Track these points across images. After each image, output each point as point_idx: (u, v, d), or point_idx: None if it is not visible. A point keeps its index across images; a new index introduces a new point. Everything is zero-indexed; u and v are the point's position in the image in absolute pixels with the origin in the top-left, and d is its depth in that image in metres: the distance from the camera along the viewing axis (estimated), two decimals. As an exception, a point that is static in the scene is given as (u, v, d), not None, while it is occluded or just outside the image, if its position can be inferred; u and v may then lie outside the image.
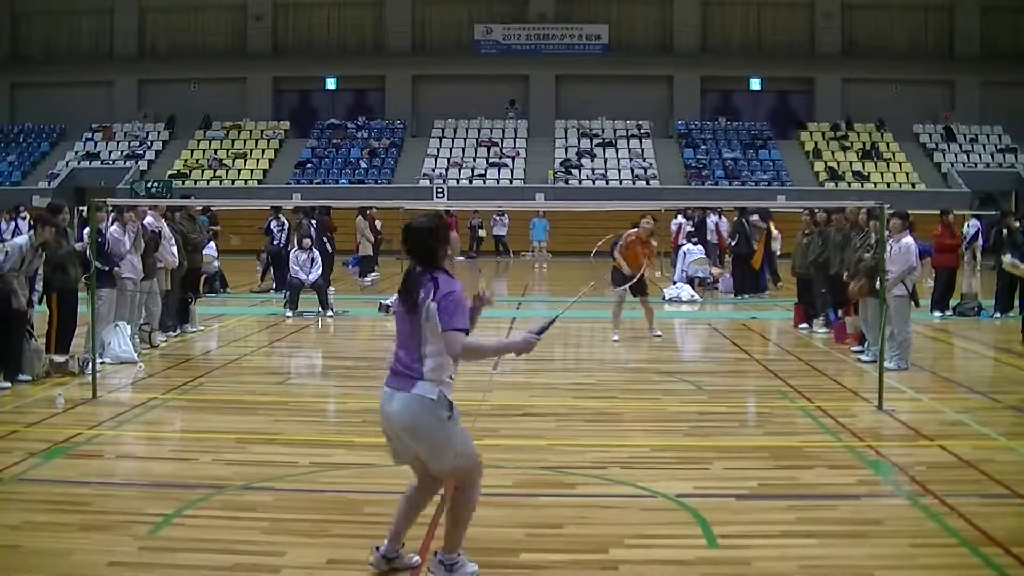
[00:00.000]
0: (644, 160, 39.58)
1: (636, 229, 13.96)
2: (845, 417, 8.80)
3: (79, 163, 39.94)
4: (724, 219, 25.21)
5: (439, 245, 4.81)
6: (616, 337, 13.83)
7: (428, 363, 4.69)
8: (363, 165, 39.74)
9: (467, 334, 4.71)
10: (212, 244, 17.83)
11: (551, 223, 34.46)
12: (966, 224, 20.11)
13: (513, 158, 40.06)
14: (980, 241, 19.51)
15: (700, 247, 22.99)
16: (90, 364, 9.88)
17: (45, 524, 5.76)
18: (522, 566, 5.20)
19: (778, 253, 21.50)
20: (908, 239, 11.35)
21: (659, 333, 14.07)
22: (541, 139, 40.99)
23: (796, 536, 5.68)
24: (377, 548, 5.07)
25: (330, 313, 16.47)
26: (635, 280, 13.52)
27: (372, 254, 23.95)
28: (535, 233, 34.40)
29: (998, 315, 16.45)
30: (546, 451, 7.63)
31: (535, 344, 4.85)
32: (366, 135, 41.75)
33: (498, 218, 35.36)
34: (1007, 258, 15.44)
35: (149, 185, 37.00)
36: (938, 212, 18.52)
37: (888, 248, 10.65)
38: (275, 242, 20.36)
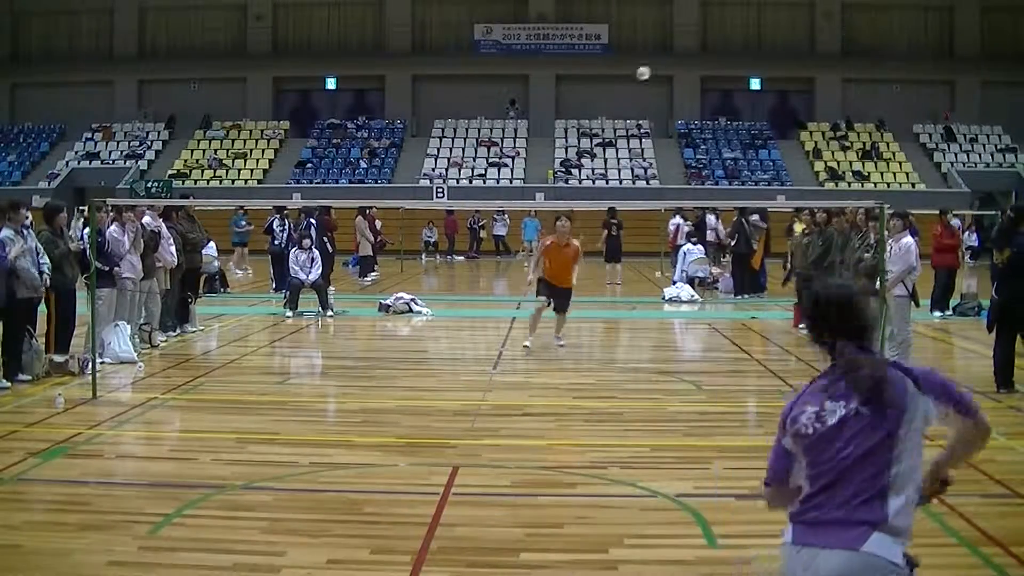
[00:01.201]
0: (644, 160, 39.59)
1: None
2: (845, 417, 8.77)
3: (79, 163, 39.92)
4: (719, 220, 25.04)
5: (873, 315, 3.35)
6: (528, 344, 12.45)
7: (894, 501, 3.00)
8: (363, 165, 39.73)
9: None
10: (212, 244, 17.81)
11: (547, 223, 34.12)
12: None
13: (513, 158, 40.05)
14: (965, 237, 19.47)
15: (700, 247, 22.97)
16: (90, 364, 9.88)
17: (45, 524, 5.75)
18: (522, 566, 5.19)
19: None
20: (908, 239, 11.35)
21: (563, 342, 12.73)
22: (541, 139, 40.98)
23: (796, 536, 5.67)
24: None
25: (330, 313, 16.46)
26: (559, 295, 12.40)
27: (372, 254, 23.97)
28: (526, 233, 34.01)
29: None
30: (546, 451, 7.62)
31: None
32: (366, 135, 41.75)
33: (499, 218, 35.31)
34: None
35: (149, 185, 36.97)
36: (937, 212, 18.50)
37: (888, 248, 10.65)
38: (276, 242, 20.36)
